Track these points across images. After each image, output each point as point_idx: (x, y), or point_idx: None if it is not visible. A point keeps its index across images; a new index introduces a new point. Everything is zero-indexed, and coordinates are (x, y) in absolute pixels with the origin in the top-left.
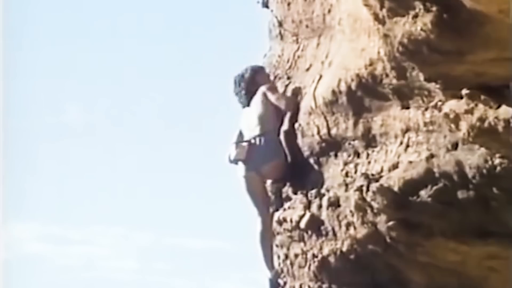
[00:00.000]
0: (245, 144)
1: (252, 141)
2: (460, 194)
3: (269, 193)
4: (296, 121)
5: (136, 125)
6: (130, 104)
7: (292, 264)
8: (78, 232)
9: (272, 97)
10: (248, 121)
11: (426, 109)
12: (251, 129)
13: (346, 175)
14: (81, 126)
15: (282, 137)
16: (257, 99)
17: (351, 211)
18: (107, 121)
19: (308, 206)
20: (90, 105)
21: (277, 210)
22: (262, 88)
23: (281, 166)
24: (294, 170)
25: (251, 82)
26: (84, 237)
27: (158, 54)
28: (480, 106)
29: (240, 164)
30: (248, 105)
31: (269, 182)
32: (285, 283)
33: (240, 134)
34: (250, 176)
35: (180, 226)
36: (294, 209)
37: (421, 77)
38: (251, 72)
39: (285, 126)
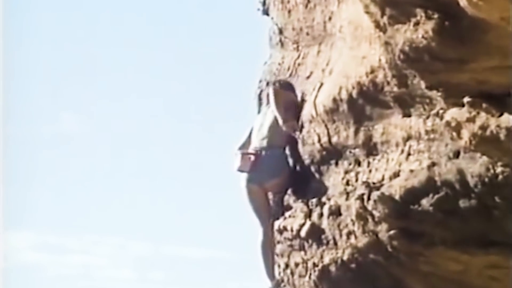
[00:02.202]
0: (251, 156)
1: (258, 152)
2: (462, 203)
3: (271, 203)
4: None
5: (132, 134)
6: (126, 112)
7: (292, 273)
8: (75, 241)
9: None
10: (260, 127)
11: (428, 117)
12: (260, 139)
13: (347, 183)
14: (77, 134)
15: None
16: (271, 109)
17: (352, 220)
18: (103, 130)
19: (308, 214)
20: (85, 114)
21: (277, 218)
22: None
23: (285, 183)
24: (295, 178)
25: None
26: (81, 246)
27: (154, 61)
28: (482, 114)
29: (244, 174)
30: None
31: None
32: None
33: (249, 137)
34: (252, 187)
35: (177, 235)
36: (295, 217)
37: (423, 85)
38: (279, 85)
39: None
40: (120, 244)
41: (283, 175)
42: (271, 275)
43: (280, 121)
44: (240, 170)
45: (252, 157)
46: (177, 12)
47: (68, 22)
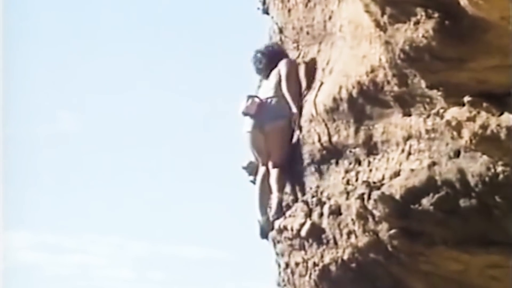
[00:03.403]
0: (257, 99)
1: (264, 100)
2: (462, 203)
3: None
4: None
5: (130, 132)
6: (123, 110)
7: (293, 272)
8: (73, 241)
9: (283, 72)
10: (264, 88)
11: (428, 116)
12: (266, 92)
13: (347, 183)
14: (74, 133)
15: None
16: (276, 70)
17: (352, 219)
18: (100, 128)
19: (309, 214)
20: (82, 112)
21: (278, 218)
22: (283, 62)
23: (285, 129)
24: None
25: (276, 55)
26: (79, 246)
27: (152, 59)
28: (482, 113)
29: (248, 119)
30: (267, 77)
31: (273, 174)
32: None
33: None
34: (254, 132)
35: (176, 235)
36: (295, 217)
37: (423, 84)
38: (278, 48)
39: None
40: (119, 244)
41: (284, 118)
42: (263, 210)
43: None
44: (245, 113)
45: (258, 101)
46: (177, 13)
47: (64, 20)
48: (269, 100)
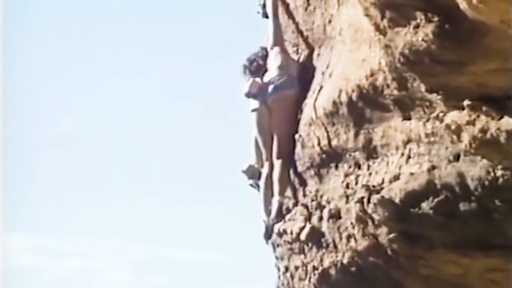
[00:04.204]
0: (258, 79)
1: (267, 81)
2: (462, 206)
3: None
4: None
5: (130, 135)
6: (122, 113)
7: (292, 276)
8: (73, 244)
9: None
10: (268, 73)
11: (428, 120)
12: (270, 75)
13: (347, 186)
14: (74, 136)
15: None
16: (272, 55)
17: (352, 223)
18: (100, 131)
19: (308, 218)
20: (81, 114)
21: (278, 222)
22: (276, 49)
23: (291, 99)
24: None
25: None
26: (78, 249)
27: (150, 63)
28: (482, 117)
29: (252, 100)
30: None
31: (276, 168)
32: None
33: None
34: (260, 109)
35: (176, 238)
36: (295, 221)
37: (423, 88)
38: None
39: None
40: (118, 247)
41: (291, 88)
42: (267, 210)
43: None
44: (248, 94)
45: (259, 80)
46: (176, 16)
47: (63, 24)
48: (271, 80)
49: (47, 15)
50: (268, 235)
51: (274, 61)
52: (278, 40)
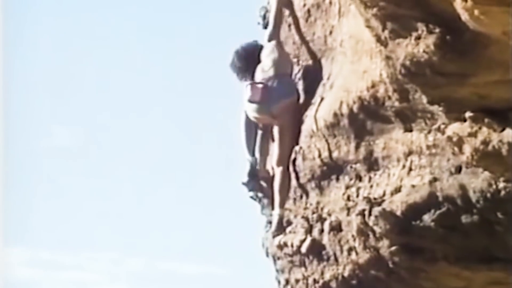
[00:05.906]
0: (259, 85)
1: (266, 82)
2: (464, 219)
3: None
4: None
5: (126, 147)
6: (119, 124)
7: None
8: (70, 257)
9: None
10: (262, 66)
11: (429, 132)
12: (265, 71)
13: (348, 199)
14: (70, 148)
15: None
16: (269, 49)
17: (353, 236)
18: (96, 143)
19: (309, 230)
20: (78, 127)
21: (278, 235)
22: (273, 42)
23: (293, 107)
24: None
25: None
26: (75, 262)
27: (147, 71)
28: (484, 129)
29: (253, 105)
30: (251, 78)
31: (277, 176)
32: None
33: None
34: (263, 118)
35: (173, 250)
36: (295, 233)
37: (424, 99)
38: (256, 46)
39: None
40: (115, 260)
41: (291, 96)
42: (251, 150)
43: None
44: (251, 100)
45: (260, 86)
46: (176, 20)
47: (60, 34)
48: (270, 83)
49: (44, 24)
50: (251, 175)
51: (269, 55)
52: (275, 34)
